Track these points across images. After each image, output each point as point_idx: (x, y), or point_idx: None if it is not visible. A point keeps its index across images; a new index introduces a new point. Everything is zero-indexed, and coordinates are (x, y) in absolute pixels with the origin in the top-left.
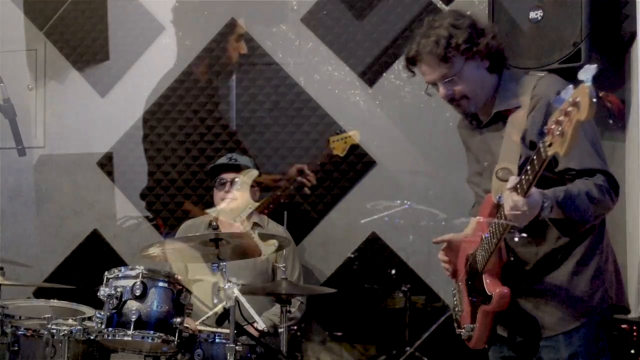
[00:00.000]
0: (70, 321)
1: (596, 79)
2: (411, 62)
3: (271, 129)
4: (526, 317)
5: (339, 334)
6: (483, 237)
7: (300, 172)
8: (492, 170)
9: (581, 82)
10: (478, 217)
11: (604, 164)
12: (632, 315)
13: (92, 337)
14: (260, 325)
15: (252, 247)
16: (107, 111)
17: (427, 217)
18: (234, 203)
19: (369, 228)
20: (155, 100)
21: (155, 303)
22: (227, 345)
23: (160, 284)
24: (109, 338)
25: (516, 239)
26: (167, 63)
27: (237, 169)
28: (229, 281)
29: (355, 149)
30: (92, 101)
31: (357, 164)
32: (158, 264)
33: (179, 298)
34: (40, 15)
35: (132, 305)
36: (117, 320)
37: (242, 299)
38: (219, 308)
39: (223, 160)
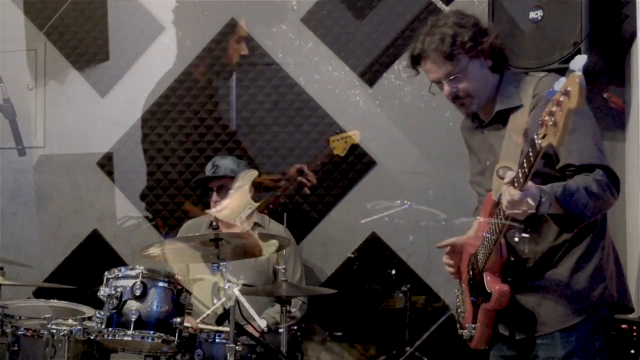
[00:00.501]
0: (70, 321)
1: (596, 79)
2: (415, 61)
3: (271, 129)
4: (525, 314)
5: (339, 334)
6: (484, 235)
7: (300, 172)
8: (493, 170)
9: (572, 72)
10: (479, 217)
11: (604, 159)
12: (633, 315)
13: (92, 337)
14: (262, 324)
15: (252, 247)
16: (107, 111)
17: (427, 217)
18: (225, 212)
19: (369, 228)
20: (155, 100)
21: (155, 303)
22: (227, 345)
23: (160, 284)
24: (109, 338)
25: (516, 238)
26: (167, 63)
27: (218, 177)
28: (229, 281)
29: (355, 149)
30: (92, 101)
31: (357, 164)
32: (158, 264)
33: (179, 298)
34: (40, 15)
35: (132, 305)
36: (117, 320)
37: (242, 299)
38: (218, 306)
39: (208, 168)
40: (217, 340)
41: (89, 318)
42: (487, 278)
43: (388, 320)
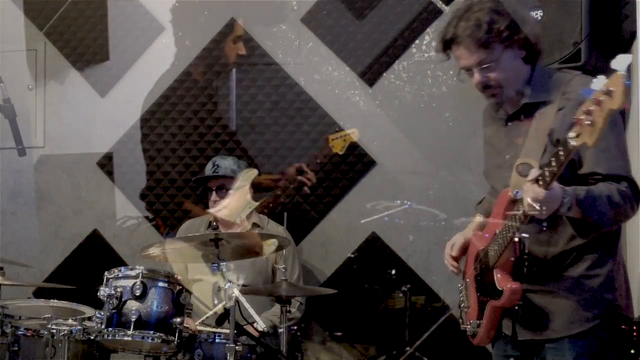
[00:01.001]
0: (70, 321)
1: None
2: (446, 45)
3: (271, 129)
4: (533, 316)
5: (339, 334)
6: (497, 232)
7: (300, 172)
8: (512, 164)
9: (614, 71)
10: (491, 212)
11: (630, 170)
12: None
13: (92, 337)
14: (261, 325)
15: (252, 246)
16: (107, 111)
17: (427, 217)
18: (225, 211)
19: (369, 228)
20: (155, 100)
21: (155, 303)
22: (227, 345)
23: (160, 284)
24: (109, 338)
25: (529, 238)
26: (167, 63)
27: (218, 177)
28: (229, 281)
29: (355, 149)
30: (92, 101)
31: (357, 164)
32: (158, 264)
33: (179, 298)
34: (40, 15)
35: (132, 305)
36: (117, 320)
37: (242, 299)
38: (219, 308)
39: (208, 167)
40: (217, 340)
41: (89, 318)
42: (498, 275)
43: (388, 320)
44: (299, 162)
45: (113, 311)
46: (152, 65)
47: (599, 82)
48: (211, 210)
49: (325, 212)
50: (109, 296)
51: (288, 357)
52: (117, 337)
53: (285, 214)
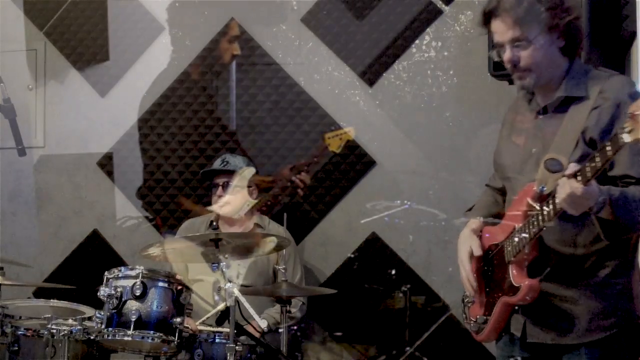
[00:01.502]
0: (70, 321)
1: None
2: (486, 18)
3: (271, 129)
4: (546, 318)
5: (339, 334)
6: (516, 227)
7: (294, 172)
8: (539, 159)
9: None
10: (511, 206)
11: None
12: None
13: (92, 337)
14: (262, 324)
15: (252, 247)
16: (107, 111)
17: (427, 217)
18: (227, 207)
19: (369, 228)
20: (155, 100)
21: (155, 303)
22: (227, 345)
23: (160, 284)
24: (109, 338)
25: (551, 236)
26: (167, 63)
27: (229, 172)
28: (229, 281)
29: (355, 149)
30: (92, 101)
31: (357, 164)
32: (158, 264)
33: (179, 298)
34: (40, 15)
35: (132, 305)
36: (117, 320)
37: (242, 299)
38: (220, 308)
39: (217, 163)
40: (217, 340)
41: (89, 318)
42: (514, 271)
43: (388, 320)
44: (299, 162)
45: (113, 311)
46: (152, 65)
47: None
48: (214, 206)
49: (325, 212)
50: (109, 296)
51: (288, 357)
52: (117, 337)
53: (285, 214)
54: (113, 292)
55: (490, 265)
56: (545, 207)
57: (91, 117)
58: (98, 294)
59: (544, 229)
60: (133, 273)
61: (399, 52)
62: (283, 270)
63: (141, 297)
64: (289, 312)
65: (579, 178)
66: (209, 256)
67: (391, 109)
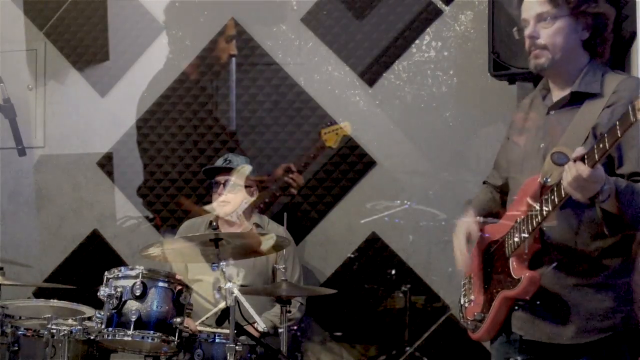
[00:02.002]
0: (70, 321)
1: None
2: None
3: (271, 129)
4: (542, 317)
5: (339, 334)
6: (518, 220)
7: (287, 172)
8: (546, 154)
9: None
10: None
11: None
12: None
13: (92, 337)
14: (261, 325)
15: (252, 247)
16: (107, 111)
17: (427, 217)
18: (228, 207)
19: (369, 228)
20: (155, 100)
21: (155, 303)
22: (227, 345)
23: (160, 284)
24: (109, 338)
25: (554, 223)
26: (167, 63)
27: (231, 171)
28: (229, 281)
29: (355, 149)
30: (92, 101)
31: (357, 164)
32: (158, 264)
33: (179, 298)
34: (40, 15)
35: (132, 305)
36: (117, 320)
37: (242, 299)
38: (219, 308)
39: (219, 161)
40: (217, 340)
41: (89, 318)
42: (514, 264)
43: (388, 320)
44: (299, 162)
45: (113, 311)
46: (152, 65)
47: None
48: (213, 205)
49: (325, 212)
50: (109, 296)
51: (288, 357)
52: (117, 337)
53: (285, 214)
54: (113, 292)
55: (490, 263)
56: (548, 197)
57: (91, 117)
58: (98, 294)
59: (546, 219)
60: (133, 273)
61: (399, 52)
62: (283, 270)
63: (141, 297)
64: (289, 312)
65: (587, 161)
66: (209, 256)
67: (391, 109)
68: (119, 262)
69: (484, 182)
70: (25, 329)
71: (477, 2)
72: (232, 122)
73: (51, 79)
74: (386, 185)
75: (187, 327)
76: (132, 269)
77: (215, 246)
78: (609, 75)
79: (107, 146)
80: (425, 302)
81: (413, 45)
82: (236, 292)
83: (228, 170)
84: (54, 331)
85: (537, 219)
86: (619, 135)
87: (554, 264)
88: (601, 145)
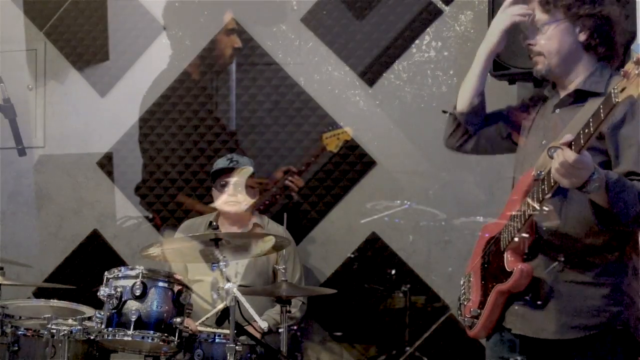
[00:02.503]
0: (70, 321)
1: None
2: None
3: (271, 129)
4: (531, 313)
5: (339, 334)
6: (511, 214)
7: (287, 174)
8: (543, 150)
9: None
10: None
11: None
12: None
13: (92, 337)
14: (262, 325)
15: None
16: (107, 111)
17: (427, 217)
18: (238, 206)
19: (369, 228)
20: (155, 100)
21: (155, 303)
22: (227, 345)
23: (160, 284)
24: (109, 338)
25: (547, 210)
26: (167, 63)
27: (237, 170)
28: (229, 281)
29: (355, 149)
30: (92, 101)
31: (357, 164)
32: (158, 264)
33: (179, 298)
34: (40, 15)
35: (132, 305)
36: (117, 320)
37: (242, 299)
38: (220, 308)
39: (224, 162)
40: (217, 340)
41: (89, 318)
42: (509, 257)
43: (388, 320)
44: (299, 162)
45: (113, 311)
46: (152, 65)
47: None
48: (221, 204)
49: (325, 212)
50: (109, 296)
51: (288, 357)
52: (117, 337)
53: (285, 214)
54: (113, 292)
55: (487, 260)
56: (539, 187)
57: (91, 117)
58: (98, 294)
59: (537, 210)
60: (133, 273)
61: (399, 52)
62: (283, 270)
63: (141, 297)
64: (289, 312)
65: (573, 147)
66: (209, 256)
67: (391, 109)
68: (119, 262)
69: None
70: (25, 329)
71: (477, 2)
72: (232, 122)
73: (51, 79)
74: (386, 185)
75: (187, 327)
76: (132, 269)
77: (215, 246)
78: (615, 76)
79: (107, 146)
80: (425, 302)
81: (413, 45)
82: (236, 292)
83: (234, 170)
84: (54, 331)
85: (528, 211)
86: (602, 117)
87: (545, 258)
88: (586, 130)
